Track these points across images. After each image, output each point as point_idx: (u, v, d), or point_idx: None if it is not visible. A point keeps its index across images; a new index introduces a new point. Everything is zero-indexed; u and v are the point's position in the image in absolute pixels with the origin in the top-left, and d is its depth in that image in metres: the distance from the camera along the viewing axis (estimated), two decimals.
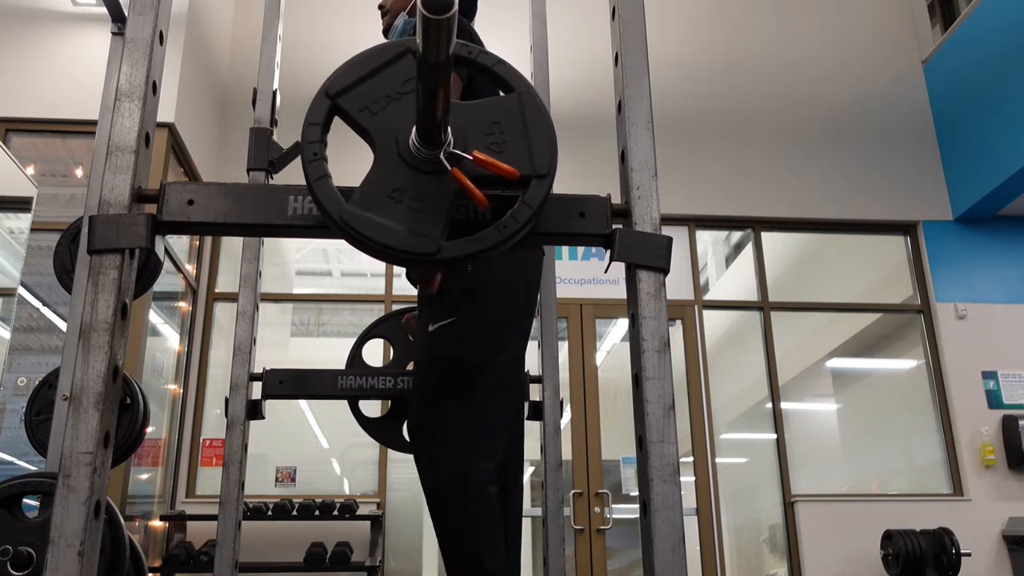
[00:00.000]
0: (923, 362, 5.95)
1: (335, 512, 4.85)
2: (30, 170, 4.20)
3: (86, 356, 1.02)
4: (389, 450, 5.36)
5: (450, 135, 1.11)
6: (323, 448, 5.81)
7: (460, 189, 1.10)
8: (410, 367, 2.42)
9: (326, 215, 1.07)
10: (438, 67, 0.96)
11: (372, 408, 2.54)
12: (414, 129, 1.11)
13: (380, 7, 2.16)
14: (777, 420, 5.65)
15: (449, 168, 1.10)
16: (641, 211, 1.17)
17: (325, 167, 1.09)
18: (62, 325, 3.79)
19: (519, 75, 1.20)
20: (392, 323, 2.53)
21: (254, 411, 2.13)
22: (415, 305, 2.17)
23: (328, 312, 6.37)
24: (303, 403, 5.61)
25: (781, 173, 6.18)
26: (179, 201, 1.14)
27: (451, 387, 1.71)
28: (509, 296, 1.80)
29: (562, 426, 2.19)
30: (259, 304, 2.22)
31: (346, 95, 1.13)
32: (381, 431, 2.46)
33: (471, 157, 1.10)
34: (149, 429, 2.26)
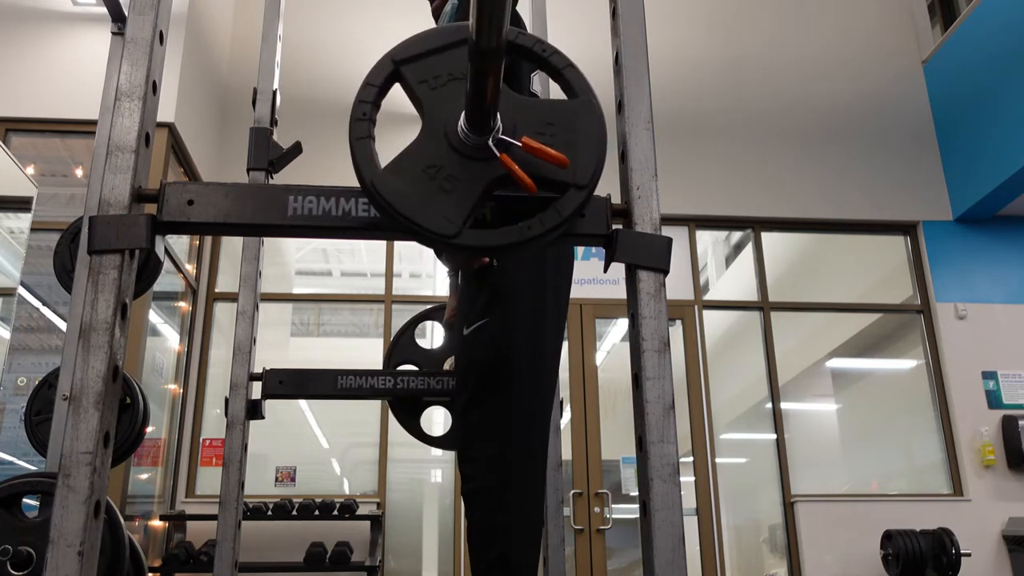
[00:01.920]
0: (923, 362, 5.95)
1: (335, 512, 4.85)
2: (30, 170, 4.20)
3: (86, 356, 1.02)
4: (389, 450, 5.39)
5: (499, 123, 1.11)
6: (323, 448, 5.81)
7: (498, 178, 1.09)
8: (449, 364, 2.42)
9: (358, 176, 1.07)
10: (489, 53, 0.96)
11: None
12: (463, 113, 1.11)
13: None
14: (777, 420, 5.65)
15: (497, 154, 1.09)
16: (641, 211, 1.17)
17: (370, 128, 1.10)
18: (62, 325, 3.79)
19: (587, 84, 1.20)
20: (439, 314, 2.55)
21: (254, 411, 2.13)
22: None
23: (328, 312, 6.37)
24: (303, 403, 5.61)
25: (781, 173, 6.18)
26: (179, 201, 1.14)
27: (490, 387, 1.71)
28: (540, 296, 1.79)
29: (562, 426, 2.19)
30: (259, 304, 2.22)
31: (410, 64, 1.13)
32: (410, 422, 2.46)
33: (520, 144, 1.09)
34: (149, 429, 2.26)
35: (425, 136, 1.11)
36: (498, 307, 1.73)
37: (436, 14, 2.09)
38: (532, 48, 1.19)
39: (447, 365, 2.44)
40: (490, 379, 1.71)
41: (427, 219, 1.06)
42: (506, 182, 1.11)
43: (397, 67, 1.13)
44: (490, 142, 1.10)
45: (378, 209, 1.08)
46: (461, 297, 1.85)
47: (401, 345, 2.50)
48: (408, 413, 2.43)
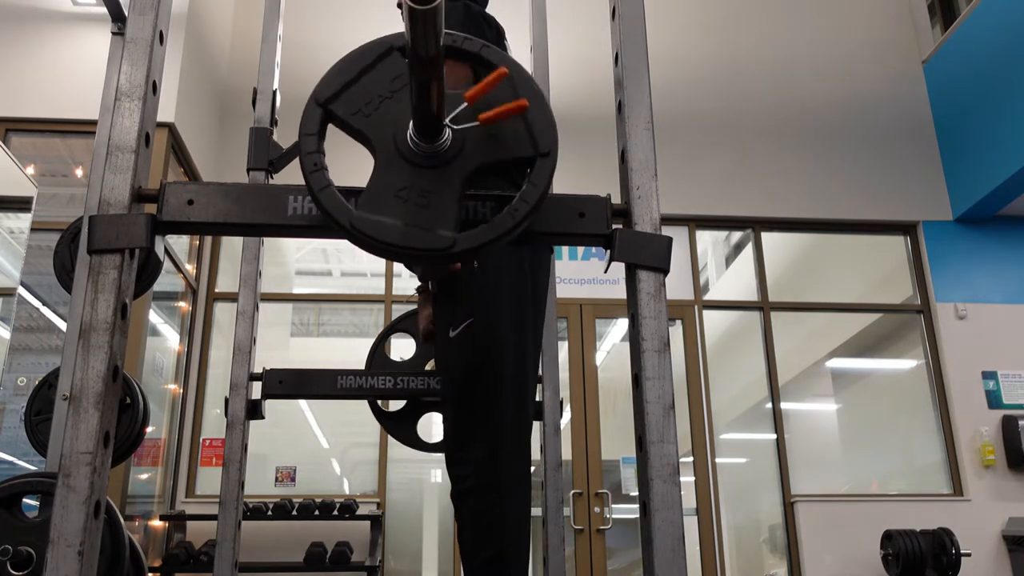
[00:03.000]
0: (923, 362, 5.95)
1: (335, 512, 4.85)
2: (30, 170, 4.20)
3: (86, 356, 1.02)
4: (389, 450, 5.39)
5: (448, 128, 1.11)
6: (323, 448, 5.81)
7: (469, 175, 1.10)
8: (430, 366, 2.41)
9: (337, 225, 1.06)
10: (429, 60, 0.96)
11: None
12: (411, 125, 1.10)
13: (399, 5, 2.13)
14: (777, 420, 5.65)
15: (459, 148, 1.10)
16: (641, 211, 1.17)
17: (327, 176, 1.09)
18: (62, 325, 3.78)
19: (505, 56, 1.18)
20: (413, 320, 2.53)
21: (254, 411, 2.13)
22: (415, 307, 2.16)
23: (328, 312, 6.37)
24: (303, 403, 5.61)
25: (781, 173, 6.18)
26: (179, 201, 1.14)
27: (479, 386, 1.71)
28: (522, 288, 1.80)
29: (562, 426, 2.19)
30: (259, 304, 2.22)
31: (336, 101, 1.12)
32: (399, 426, 2.46)
33: (478, 122, 1.10)
34: (149, 429, 2.26)
35: (382, 163, 1.10)
36: (482, 304, 1.73)
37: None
38: (444, 42, 1.19)
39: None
40: (479, 377, 1.71)
41: (419, 240, 1.06)
42: (481, 173, 1.11)
43: (325, 108, 1.12)
44: (447, 137, 1.10)
45: (368, 249, 1.08)
46: (440, 303, 1.85)
47: (376, 364, 2.48)
48: (402, 421, 2.43)
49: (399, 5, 2.11)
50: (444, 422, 2.03)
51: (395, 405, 2.46)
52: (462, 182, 1.10)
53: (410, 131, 1.10)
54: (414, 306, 2.24)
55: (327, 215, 1.07)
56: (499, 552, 1.64)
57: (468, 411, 1.72)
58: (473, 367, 1.72)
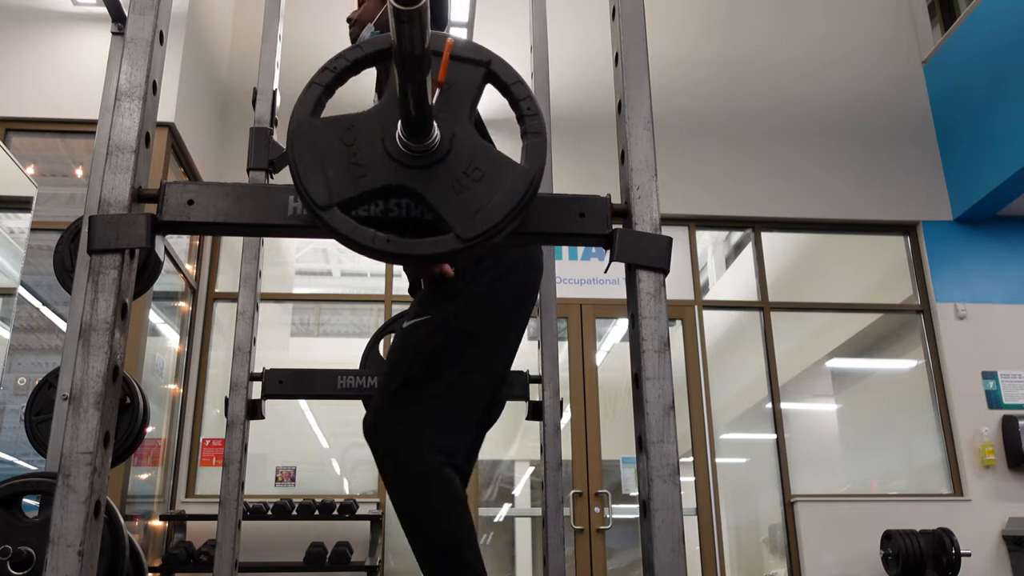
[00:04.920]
0: (923, 362, 5.95)
1: (335, 512, 4.85)
2: (30, 170, 4.20)
3: (86, 356, 1.02)
4: None
5: (436, 129, 1.10)
6: (323, 448, 5.82)
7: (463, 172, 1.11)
8: None
9: (366, 253, 1.07)
10: (415, 60, 0.96)
11: None
12: (399, 127, 1.10)
13: (348, 20, 2.11)
14: (777, 420, 5.65)
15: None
16: (641, 211, 1.17)
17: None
18: (62, 325, 3.79)
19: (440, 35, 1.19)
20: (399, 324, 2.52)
21: (254, 411, 2.13)
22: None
23: (328, 312, 6.37)
24: (303, 403, 5.61)
25: (781, 173, 6.19)
26: (179, 201, 1.14)
27: (420, 377, 1.68)
28: (494, 293, 1.78)
29: (562, 426, 2.19)
30: (259, 304, 2.22)
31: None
32: None
33: (439, 88, 1.09)
34: (149, 429, 2.26)
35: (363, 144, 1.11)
36: (448, 308, 1.72)
37: (353, 39, 2.04)
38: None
39: None
40: (407, 374, 1.68)
41: (429, 245, 1.07)
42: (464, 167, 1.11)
43: (326, 88, 1.13)
44: (435, 136, 1.09)
45: (389, 260, 1.10)
46: (417, 300, 1.85)
47: (371, 364, 2.48)
48: None
49: (349, 20, 2.09)
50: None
51: None
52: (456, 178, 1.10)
53: (399, 134, 1.09)
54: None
55: (355, 247, 1.07)
56: (447, 540, 1.60)
57: (387, 401, 1.68)
58: (404, 361, 1.69)
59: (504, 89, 1.16)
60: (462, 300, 1.73)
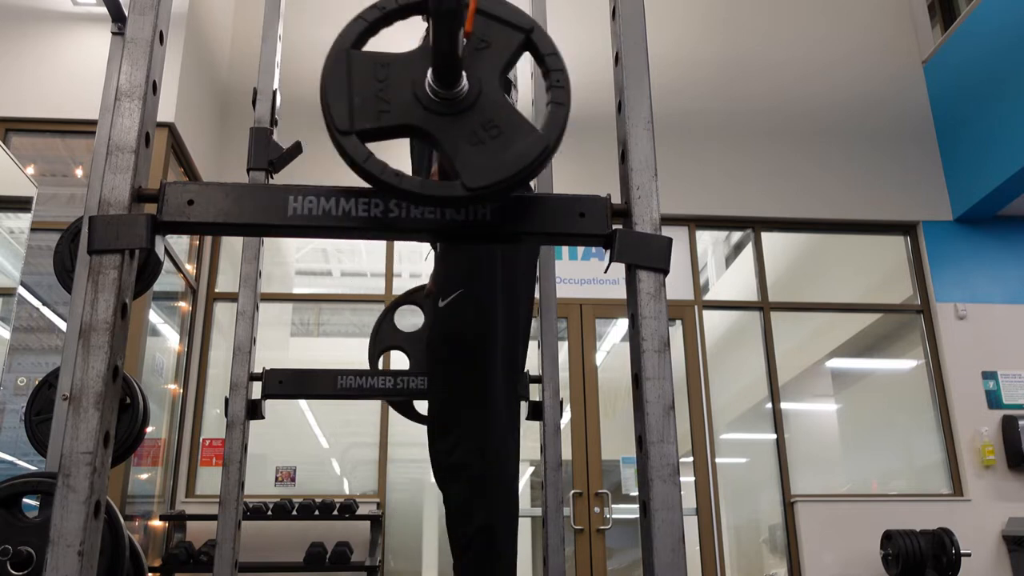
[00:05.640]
0: (923, 362, 5.95)
1: (335, 512, 4.85)
2: (30, 170, 4.20)
3: (86, 356, 1.02)
4: (389, 450, 5.39)
5: (464, 81, 1.14)
6: (323, 448, 5.81)
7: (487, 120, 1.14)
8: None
9: (373, 180, 1.09)
10: (447, 11, 1.01)
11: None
12: (429, 73, 1.13)
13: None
14: (777, 420, 5.65)
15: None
16: (641, 211, 1.17)
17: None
18: (62, 325, 3.78)
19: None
20: (418, 295, 2.54)
21: (254, 411, 2.13)
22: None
23: (328, 312, 6.37)
24: (303, 403, 5.61)
25: (781, 173, 6.19)
26: (179, 201, 1.14)
27: (467, 357, 1.69)
28: (512, 264, 1.78)
29: (562, 426, 2.19)
30: (259, 304, 2.21)
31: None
32: (404, 404, 2.47)
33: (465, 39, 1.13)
34: (149, 429, 2.26)
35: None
36: (475, 277, 1.72)
37: None
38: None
39: None
40: (467, 349, 1.69)
41: (438, 188, 1.11)
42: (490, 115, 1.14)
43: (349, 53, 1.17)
44: (464, 84, 1.12)
45: (402, 196, 1.12)
46: (437, 270, 1.84)
47: (383, 332, 2.50)
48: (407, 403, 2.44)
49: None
50: (429, 398, 1.99)
51: None
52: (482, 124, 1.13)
53: (429, 79, 1.13)
54: (414, 307, 2.25)
55: (411, 195, 1.11)
56: (486, 524, 1.61)
57: (456, 380, 1.70)
58: (462, 336, 1.70)
59: (540, 58, 1.18)
60: (491, 267, 1.77)
